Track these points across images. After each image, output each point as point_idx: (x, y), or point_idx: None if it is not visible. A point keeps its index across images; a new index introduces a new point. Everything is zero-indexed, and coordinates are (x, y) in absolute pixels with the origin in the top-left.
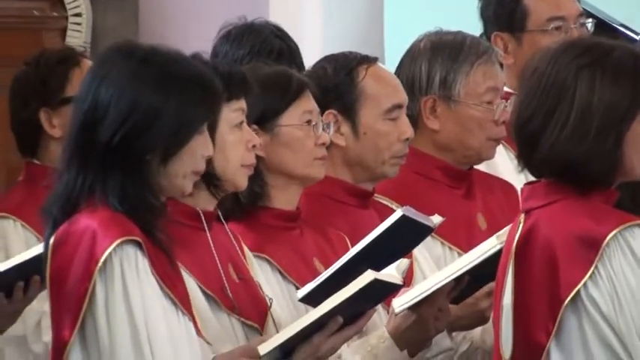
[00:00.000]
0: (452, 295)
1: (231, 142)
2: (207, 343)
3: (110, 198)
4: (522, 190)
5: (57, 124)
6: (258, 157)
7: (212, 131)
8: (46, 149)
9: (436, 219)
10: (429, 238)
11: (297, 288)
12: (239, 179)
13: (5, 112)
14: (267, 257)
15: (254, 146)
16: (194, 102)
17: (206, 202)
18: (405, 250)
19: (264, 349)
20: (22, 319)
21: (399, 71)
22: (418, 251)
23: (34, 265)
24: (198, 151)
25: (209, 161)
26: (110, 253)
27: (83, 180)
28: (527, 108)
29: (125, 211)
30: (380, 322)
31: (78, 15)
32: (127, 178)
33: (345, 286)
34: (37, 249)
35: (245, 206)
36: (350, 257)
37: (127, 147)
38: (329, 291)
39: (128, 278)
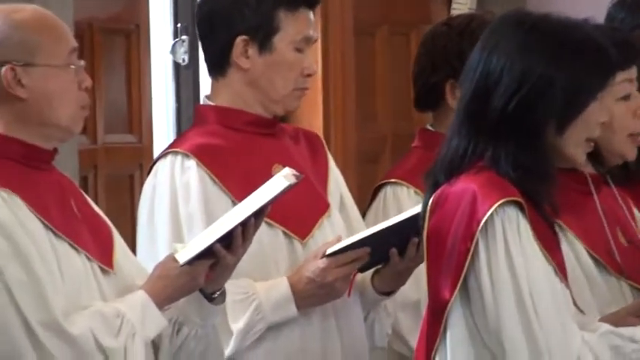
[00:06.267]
0: None
1: (619, 114)
2: (581, 312)
3: (502, 164)
4: None
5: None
6: None
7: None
8: (444, 117)
9: None
10: None
11: None
12: (629, 150)
13: (391, 78)
14: None
15: None
16: (588, 68)
17: (590, 167)
18: None
19: None
20: (416, 281)
21: None
22: None
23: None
24: (593, 118)
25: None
26: (492, 214)
27: (474, 146)
28: None
29: (515, 177)
30: None
31: None
32: (520, 146)
33: None
34: (416, 209)
35: (634, 174)
36: None
37: (522, 115)
38: None
39: (510, 239)
